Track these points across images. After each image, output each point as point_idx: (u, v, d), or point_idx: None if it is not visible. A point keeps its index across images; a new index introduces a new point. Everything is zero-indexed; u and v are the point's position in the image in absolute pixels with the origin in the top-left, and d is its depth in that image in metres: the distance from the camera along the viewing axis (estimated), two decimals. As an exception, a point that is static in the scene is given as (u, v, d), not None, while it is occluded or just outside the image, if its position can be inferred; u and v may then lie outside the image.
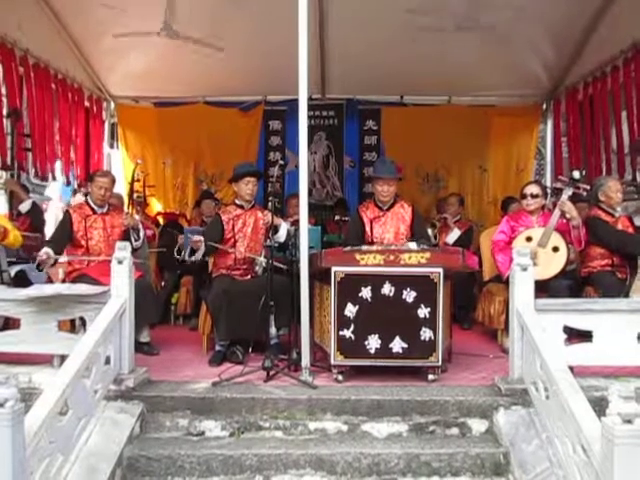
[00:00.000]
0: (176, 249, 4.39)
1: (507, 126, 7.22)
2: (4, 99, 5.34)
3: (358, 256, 3.59)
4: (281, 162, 5.48)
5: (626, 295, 4.12)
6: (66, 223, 4.45)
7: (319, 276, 3.88)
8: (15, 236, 4.42)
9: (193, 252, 4.26)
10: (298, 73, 3.46)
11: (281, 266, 4.24)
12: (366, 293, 3.54)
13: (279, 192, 6.75)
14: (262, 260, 4.23)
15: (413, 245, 4.02)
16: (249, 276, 4.38)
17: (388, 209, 4.43)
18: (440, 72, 6.20)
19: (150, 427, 3.21)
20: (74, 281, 4.13)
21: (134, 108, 7.42)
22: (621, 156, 5.80)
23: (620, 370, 3.46)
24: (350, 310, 3.55)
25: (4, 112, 5.26)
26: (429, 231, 5.05)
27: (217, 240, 4.31)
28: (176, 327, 5.72)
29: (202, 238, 4.20)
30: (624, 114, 5.62)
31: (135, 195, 5.93)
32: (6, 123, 5.23)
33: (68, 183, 6.67)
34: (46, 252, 4.17)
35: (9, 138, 5.31)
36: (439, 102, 7.18)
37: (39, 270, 4.25)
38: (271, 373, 3.59)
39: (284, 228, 4.35)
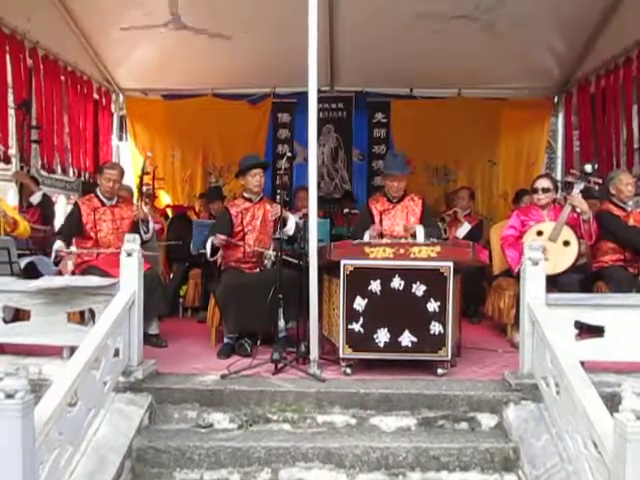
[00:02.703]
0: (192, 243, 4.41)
1: (518, 119, 7.14)
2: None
3: (367, 249, 3.56)
4: (288, 154, 5.47)
5: (638, 290, 4.08)
6: (75, 215, 4.46)
7: (328, 269, 3.87)
8: (25, 227, 4.49)
9: (215, 251, 4.28)
10: (307, 65, 3.43)
11: (292, 260, 4.24)
12: (375, 286, 3.53)
13: (287, 185, 6.73)
14: (271, 254, 4.22)
15: (420, 228, 4.01)
16: (258, 269, 4.37)
17: (398, 202, 4.42)
18: (450, 65, 6.15)
19: (159, 419, 3.22)
20: (83, 273, 4.16)
21: (143, 100, 7.43)
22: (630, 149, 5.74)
23: (632, 366, 3.41)
24: (359, 303, 3.53)
25: (10, 104, 5.26)
26: (439, 225, 5.03)
27: (226, 234, 4.31)
28: (184, 319, 5.74)
29: (226, 237, 4.23)
30: (635, 108, 5.56)
31: (144, 188, 5.93)
32: (14, 115, 5.25)
33: (79, 176, 6.66)
34: (60, 247, 4.22)
35: (20, 130, 5.32)
36: (449, 95, 7.11)
37: (55, 265, 4.27)
38: (279, 366, 3.58)
39: (292, 221, 4.33)
